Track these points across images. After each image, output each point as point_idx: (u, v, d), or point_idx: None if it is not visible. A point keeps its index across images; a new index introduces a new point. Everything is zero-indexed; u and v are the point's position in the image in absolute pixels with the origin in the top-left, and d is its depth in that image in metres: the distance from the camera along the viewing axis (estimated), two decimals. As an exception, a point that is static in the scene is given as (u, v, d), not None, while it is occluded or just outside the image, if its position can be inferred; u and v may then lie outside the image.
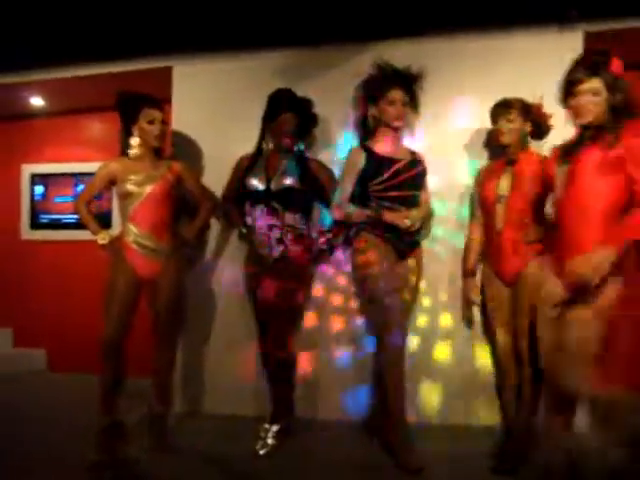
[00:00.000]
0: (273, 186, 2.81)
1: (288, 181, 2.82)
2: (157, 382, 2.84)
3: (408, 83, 2.66)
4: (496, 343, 2.72)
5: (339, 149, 3.19)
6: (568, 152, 2.08)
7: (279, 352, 2.78)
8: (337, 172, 2.93)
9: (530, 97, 2.67)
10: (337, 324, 3.20)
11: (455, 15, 3.05)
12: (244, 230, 2.91)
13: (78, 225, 4.36)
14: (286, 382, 2.87)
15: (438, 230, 3.09)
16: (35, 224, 4.67)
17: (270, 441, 2.72)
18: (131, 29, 3.38)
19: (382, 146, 2.67)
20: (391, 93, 2.61)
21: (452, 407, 3.07)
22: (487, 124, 2.82)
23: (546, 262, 2.20)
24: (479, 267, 2.81)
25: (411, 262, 2.68)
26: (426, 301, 3.10)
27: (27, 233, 4.69)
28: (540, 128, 2.70)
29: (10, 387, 4.01)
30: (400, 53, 2.87)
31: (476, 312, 2.92)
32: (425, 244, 2.91)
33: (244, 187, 2.89)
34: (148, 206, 2.75)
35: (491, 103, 2.75)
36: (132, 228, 2.75)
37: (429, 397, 3.10)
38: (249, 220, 2.87)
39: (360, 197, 2.66)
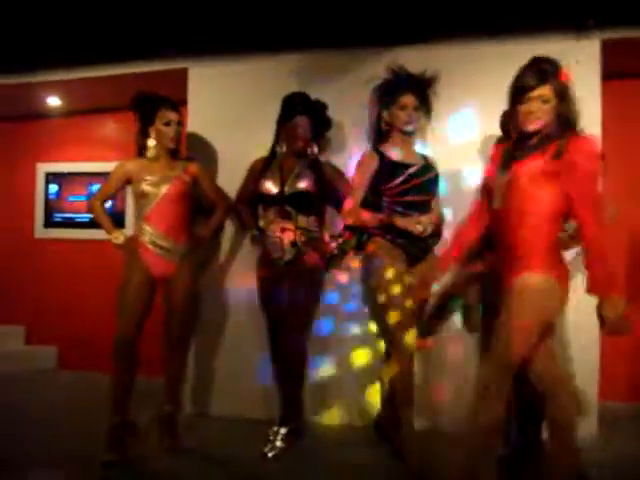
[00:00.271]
0: (287, 189, 2.82)
1: (302, 184, 2.83)
2: (168, 383, 2.86)
3: (420, 88, 2.66)
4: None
5: (353, 153, 3.20)
6: (509, 158, 2.04)
7: (289, 355, 2.79)
8: (350, 176, 2.93)
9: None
10: (348, 328, 3.20)
11: (470, 21, 3.05)
12: (256, 233, 2.92)
13: (91, 224, 4.42)
14: (295, 384, 2.87)
15: (448, 236, 3.08)
16: (49, 223, 4.72)
17: (279, 443, 2.72)
18: (148, 30, 3.40)
19: (395, 151, 2.67)
20: (402, 98, 2.61)
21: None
22: (494, 131, 2.82)
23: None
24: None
25: (423, 267, 2.67)
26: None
27: (41, 231, 4.73)
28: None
29: (21, 385, 4.04)
30: (415, 58, 2.86)
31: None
32: (437, 250, 2.90)
33: (258, 190, 2.90)
34: (164, 206, 2.77)
35: (501, 110, 2.75)
36: (148, 228, 2.76)
37: (438, 403, 3.08)
38: (262, 223, 2.89)
39: (373, 202, 2.66)
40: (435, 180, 2.74)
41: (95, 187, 4.43)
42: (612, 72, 3.24)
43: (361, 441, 2.90)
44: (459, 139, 3.15)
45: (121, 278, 2.76)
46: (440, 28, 3.10)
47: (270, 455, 2.67)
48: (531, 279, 1.94)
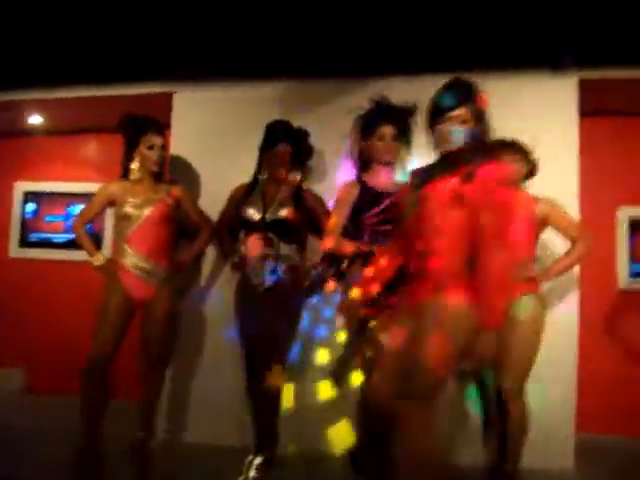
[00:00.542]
0: (268, 216, 2.82)
1: (283, 212, 2.83)
2: (142, 407, 2.80)
3: (399, 118, 2.69)
4: (482, 382, 2.71)
5: (334, 182, 3.21)
6: (424, 178, 2.05)
7: (265, 383, 2.74)
8: (331, 205, 2.94)
9: (522, 139, 2.73)
10: (324, 356, 3.17)
11: (452, 56, 3.11)
12: (237, 259, 2.91)
13: (68, 245, 4.37)
14: (271, 413, 2.82)
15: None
16: (25, 242, 4.63)
17: (253, 474, 2.66)
18: (134, 53, 3.41)
19: (375, 180, 2.69)
20: (381, 129, 2.64)
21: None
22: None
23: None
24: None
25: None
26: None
27: (16, 251, 4.63)
28: (532, 170, 2.74)
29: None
30: (398, 90, 2.90)
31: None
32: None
33: (239, 216, 2.89)
34: (146, 229, 2.77)
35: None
36: (129, 250, 2.75)
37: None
38: (243, 249, 2.88)
39: (353, 231, 2.67)
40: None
41: (74, 208, 4.37)
42: (590, 109, 3.33)
43: (336, 471, 2.85)
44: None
45: (100, 300, 2.74)
46: (423, 61, 3.16)
47: (243, 486, 2.61)
48: (443, 301, 1.91)
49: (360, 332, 2.47)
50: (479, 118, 2.00)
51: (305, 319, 3.12)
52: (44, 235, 4.61)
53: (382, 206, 2.62)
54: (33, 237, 4.63)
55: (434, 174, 2.01)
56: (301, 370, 3.14)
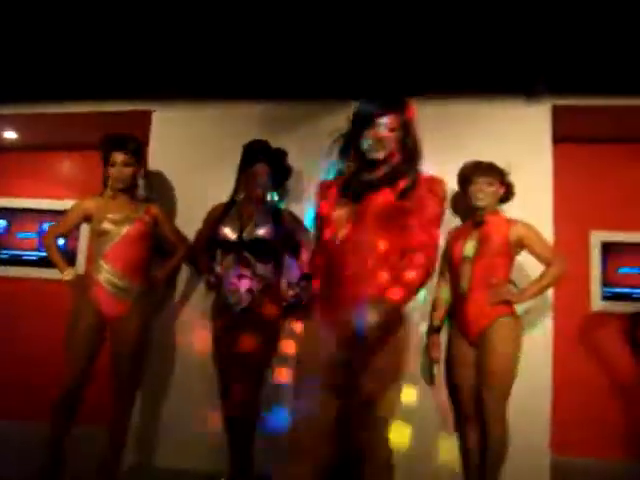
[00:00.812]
0: (245, 236, 2.80)
1: (260, 232, 2.82)
2: (112, 430, 2.74)
3: None
4: (459, 402, 2.70)
5: (312, 202, 3.21)
6: (355, 189, 1.95)
7: (241, 406, 2.69)
8: (309, 225, 2.94)
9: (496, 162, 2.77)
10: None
11: (429, 79, 3.17)
12: (212, 279, 2.87)
13: (39, 263, 4.27)
14: (246, 437, 2.77)
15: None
16: (-5, 259, 4.51)
17: (225, 501, 2.60)
18: (113, 71, 3.40)
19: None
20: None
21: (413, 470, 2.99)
22: (454, 186, 2.89)
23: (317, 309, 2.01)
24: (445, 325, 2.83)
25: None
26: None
27: (-15, 268, 4.51)
28: (508, 193, 2.79)
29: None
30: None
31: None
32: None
33: (216, 235, 2.87)
34: (123, 246, 2.76)
35: (458, 166, 2.84)
36: (105, 266, 2.73)
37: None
38: (219, 269, 2.85)
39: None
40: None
41: (47, 225, 4.28)
42: (564, 136, 3.41)
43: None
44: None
45: (69, 317, 2.71)
46: (402, 84, 3.19)
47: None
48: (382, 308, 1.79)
49: None
50: (407, 128, 1.95)
51: (285, 341, 3.09)
52: (15, 252, 4.50)
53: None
54: (4, 254, 4.52)
55: (370, 186, 1.93)
56: (279, 391, 3.10)
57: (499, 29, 2.90)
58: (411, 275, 1.83)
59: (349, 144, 2.05)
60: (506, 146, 3.08)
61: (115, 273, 2.73)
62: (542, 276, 2.66)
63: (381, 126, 1.91)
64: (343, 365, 1.84)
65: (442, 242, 2.95)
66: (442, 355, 2.81)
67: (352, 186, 1.96)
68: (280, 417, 3.05)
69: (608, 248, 3.77)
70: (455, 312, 2.74)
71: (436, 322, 2.80)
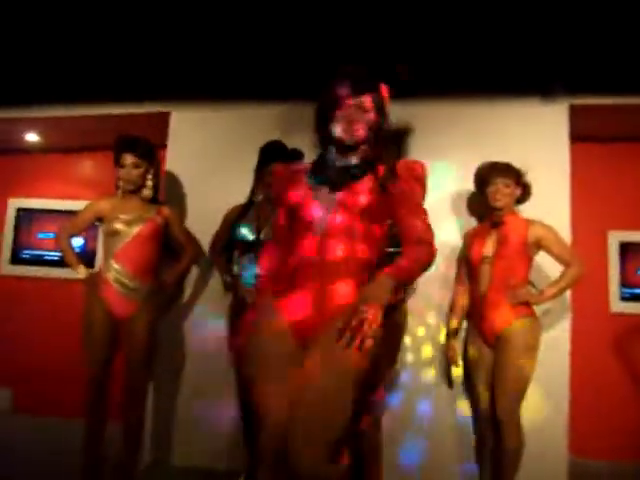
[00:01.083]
0: (263, 236, 2.83)
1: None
2: (126, 429, 2.77)
3: (392, 142, 2.72)
4: (477, 404, 2.70)
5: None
6: (331, 177, 1.77)
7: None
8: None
9: (514, 163, 2.77)
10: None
11: (446, 80, 3.17)
12: (229, 279, 2.90)
13: (59, 262, 4.34)
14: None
15: (423, 288, 3.10)
16: (16, 259, 4.59)
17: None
18: (132, 73, 3.44)
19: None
20: None
21: (433, 468, 3.00)
22: (471, 186, 2.89)
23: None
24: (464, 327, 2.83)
25: (395, 319, 2.67)
26: (409, 358, 3.08)
27: (6, 268, 4.60)
28: (525, 193, 2.78)
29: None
30: (392, 114, 2.94)
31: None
32: (410, 302, 2.91)
33: (234, 236, 2.90)
34: (134, 246, 2.79)
35: (475, 166, 2.84)
36: (115, 266, 2.76)
37: (409, 458, 3.03)
38: (236, 269, 2.87)
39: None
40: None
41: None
42: (582, 135, 3.39)
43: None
44: (437, 192, 3.21)
45: (82, 314, 2.78)
46: (417, 85, 3.20)
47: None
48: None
49: None
50: (380, 109, 1.77)
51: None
52: (36, 252, 4.58)
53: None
54: (25, 254, 4.60)
55: (344, 173, 1.76)
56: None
57: (516, 29, 2.89)
58: (413, 264, 1.70)
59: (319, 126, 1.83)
60: (523, 146, 3.07)
61: (125, 273, 2.76)
62: (561, 278, 2.65)
63: (353, 106, 1.73)
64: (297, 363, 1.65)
65: (459, 243, 2.97)
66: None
67: (327, 173, 1.78)
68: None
69: (626, 248, 3.73)
70: (473, 313, 2.74)
71: (454, 325, 2.80)
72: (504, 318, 2.59)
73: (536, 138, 3.14)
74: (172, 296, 3.30)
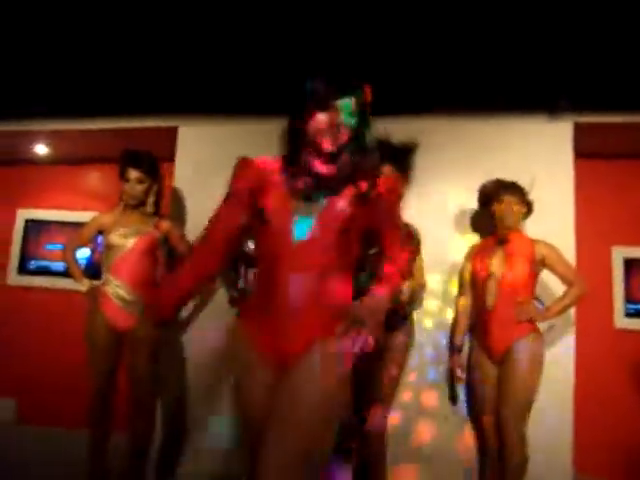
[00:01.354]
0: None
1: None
2: (133, 441, 2.78)
3: (399, 157, 2.75)
4: (481, 419, 2.70)
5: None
6: (308, 187, 1.63)
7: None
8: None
9: (517, 180, 2.80)
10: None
11: (450, 97, 3.20)
12: (235, 294, 2.92)
13: (66, 273, 4.36)
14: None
15: (426, 303, 3.12)
16: (23, 270, 4.62)
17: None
18: (140, 87, 3.49)
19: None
20: (381, 167, 2.69)
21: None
22: (474, 202, 2.91)
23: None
24: (467, 343, 2.83)
25: (401, 336, 2.68)
26: (412, 375, 3.08)
27: (14, 278, 4.63)
28: (528, 211, 2.80)
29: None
30: (399, 130, 2.96)
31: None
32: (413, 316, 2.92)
33: (240, 250, 2.92)
34: (130, 259, 2.82)
35: (479, 182, 2.86)
36: (112, 279, 2.81)
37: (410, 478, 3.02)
38: (242, 283, 2.89)
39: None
40: (416, 248, 2.79)
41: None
42: (585, 152, 3.41)
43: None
44: (440, 207, 3.24)
45: (84, 327, 2.82)
46: (423, 102, 3.24)
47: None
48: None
49: None
50: (363, 114, 1.62)
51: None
52: (43, 263, 4.61)
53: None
54: (32, 265, 4.63)
55: (323, 184, 1.63)
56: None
57: (522, 47, 2.92)
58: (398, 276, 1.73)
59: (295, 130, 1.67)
60: (528, 162, 3.08)
61: (121, 286, 2.79)
62: (564, 296, 2.69)
63: (337, 110, 1.58)
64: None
65: (460, 259, 2.98)
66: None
67: (304, 181, 1.64)
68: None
69: (631, 264, 3.73)
70: (478, 330, 2.75)
71: (458, 340, 2.81)
72: (510, 334, 2.60)
73: (540, 155, 3.16)
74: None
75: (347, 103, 1.59)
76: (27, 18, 2.97)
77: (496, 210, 2.74)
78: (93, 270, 4.03)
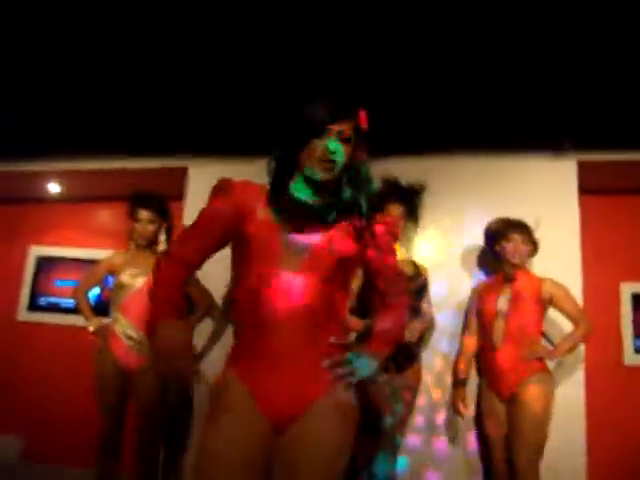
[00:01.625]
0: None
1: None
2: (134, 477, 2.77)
3: (407, 198, 2.79)
4: (491, 457, 2.68)
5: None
6: (300, 220, 1.49)
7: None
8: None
9: (522, 218, 2.83)
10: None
11: (459, 137, 3.26)
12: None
13: (75, 310, 4.38)
14: None
15: (433, 339, 3.11)
16: (33, 306, 4.65)
17: None
18: (150, 129, 3.57)
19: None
20: (389, 207, 2.72)
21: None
22: (479, 240, 2.94)
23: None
24: (475, 380, 2.83)
25: (409, 376, 2.67)
26: (419, 409, 3.05)
27: (24, 315, 4.65)
28: (535, 250, 2.83)
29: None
30: (403, 170, 3.02)
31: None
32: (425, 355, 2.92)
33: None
34: (139, 298, 2.80)
35: (485, 220, 2.89)
36: (121, 318, 2.83)
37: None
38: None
39: (360, 308, 2.68)
40: (424, 287, 2.81)
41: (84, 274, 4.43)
42: (590, 189, 3.45)
43: None
44: (446, 246, 3.26)
45: (93, 366, 2.84)
46: (429, 141, 3.30)
47: None
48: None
49: None
50: (360, 138, 1.51)
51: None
52: (53, 299, 4.65)
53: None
54: (42, 301, 4.66)
55: (318, 218, 1.50)
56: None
57: (526, 88, 2.98)
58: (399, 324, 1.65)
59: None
60: (533, 200, 3.14)
61: (130, 325, 2.81)
62: (571, 335, 2.70)
63: (334, 135, 1.46)
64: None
65: (466, 296, 2.99)
66: (469, 409, 2.80)
67: (295, 210, 1.49)
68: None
69: (639, 300, 3.73)
70: (486, 367, 2.75)
71: (462, 376, 2.81)
72: (518, 374, 2.59)
73: (545, 192, 3.20)
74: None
75: (343, 129, 1.47)
76: (41, 63, 3.05)
77: (504, 248, 2.76)
78: (102, 307, 4.07)
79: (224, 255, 1.62)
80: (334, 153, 1.45)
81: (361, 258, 1.55)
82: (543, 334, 2.78)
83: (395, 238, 1.57)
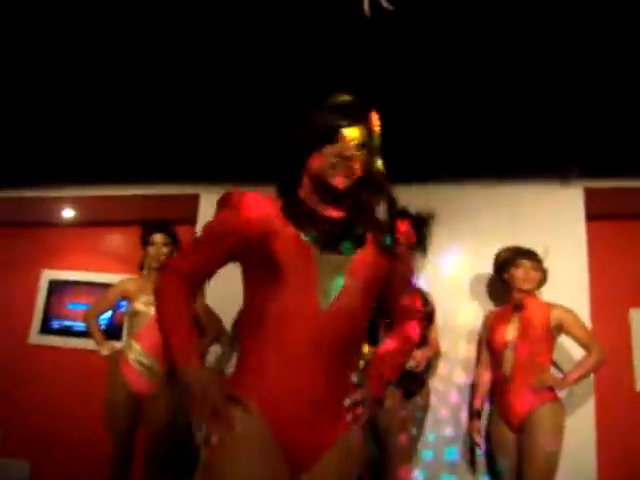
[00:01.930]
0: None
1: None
2: None
3: (415, 227, 2.80)
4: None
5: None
6: (324, 236, 1.35)
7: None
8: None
9: (530, 245, 2.86)
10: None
11: (466, 165, 3.30)
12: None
13: (87, 334, 4.42)
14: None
15: (443, 369, 3.11)
16: (45, 329, 4.69)
17: None
18: (164, 157, 3.63)
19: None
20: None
21: None
22: (489, 268, 2.94)
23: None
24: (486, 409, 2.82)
25: (418, 400, 2.68)
26: (431, 438, 3.05)
27: (35, 338, 4.69)
28: (543, 278, 2.84)
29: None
30: (415, 197, 3.03)
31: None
32: (431, 382, 2.92)
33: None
34: (154, 326, 2.79)
35: (492, 248, 2.91)
36: (136, 346, 2.85)
37: None
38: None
39: (368, 336, 2.70)
40: (431, 315, 2.82)
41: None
42: (597, 215, 3.46)
43: None
44: (453, 274, 3.28)
45: (104, 391, 2.86)
46: (436, 170, 3.34)
47: None
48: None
49: None
50: (373, 144, 1.40)
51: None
52: (65, 323, 4.68)
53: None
54: (54, 324, 4.70)
55: (344, 234, 1.37)
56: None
57: (533, 117, 3.01)
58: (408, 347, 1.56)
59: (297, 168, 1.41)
60: (540, 227, 3.16)
61: (144, 353, 2.84)
62: (582, 363, 2.69)
63: (348, 141, 1.34)
64: None
65: (477, 325, 3.00)
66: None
67: (317, 229, 1.36)
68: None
69: (649, 326, 3.70)
70: (497, 397, 2.74)
71: (477, 406, 2.80)
72: (529, 403, 2.58)
73: (553, 220, 3.22)
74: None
75: (359, 133, 1.36)
76: (57, 91, 3.10)
77: (513, 275, 2.76)
78: (112, 331, 4.11)
79: (232, 275, 1.48)
80: (349, 162, 1.34)
81: (386, 278, 1.42)
82: (553, 363, 2.77)
83: (410, 247, 1.50)
